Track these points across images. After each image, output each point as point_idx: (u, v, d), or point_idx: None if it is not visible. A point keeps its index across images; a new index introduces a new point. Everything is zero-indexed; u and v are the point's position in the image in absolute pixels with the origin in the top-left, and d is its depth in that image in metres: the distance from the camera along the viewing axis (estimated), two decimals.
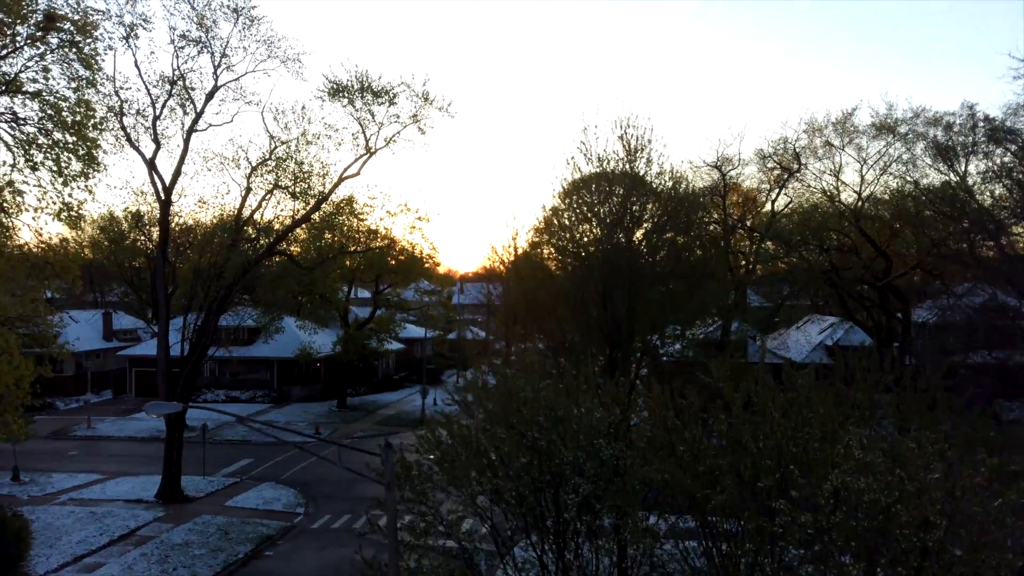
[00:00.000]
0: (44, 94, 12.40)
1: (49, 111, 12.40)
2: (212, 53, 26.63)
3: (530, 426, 10.88)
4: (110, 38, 23.60)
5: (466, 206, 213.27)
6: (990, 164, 37.44)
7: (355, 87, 24.95)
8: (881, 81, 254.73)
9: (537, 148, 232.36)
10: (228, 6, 26.87)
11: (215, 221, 29.50)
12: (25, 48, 12.00)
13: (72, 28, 12.28)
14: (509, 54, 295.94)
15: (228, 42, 26.99)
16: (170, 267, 31.02)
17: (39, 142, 12.91)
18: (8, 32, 11.70)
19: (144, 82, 25.09)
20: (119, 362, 56.53)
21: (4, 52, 11.87)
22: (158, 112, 25.68)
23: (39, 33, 11.97)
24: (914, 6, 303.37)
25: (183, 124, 27.71)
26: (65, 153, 13.22)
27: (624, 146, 26.01)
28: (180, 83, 26.05)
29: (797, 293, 39.69)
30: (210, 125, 27.70)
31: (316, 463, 35.50)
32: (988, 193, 37.25)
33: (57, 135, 13.04)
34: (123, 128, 25.79)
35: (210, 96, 27.51)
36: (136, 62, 24.80)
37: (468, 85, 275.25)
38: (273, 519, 26.51)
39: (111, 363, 57.36)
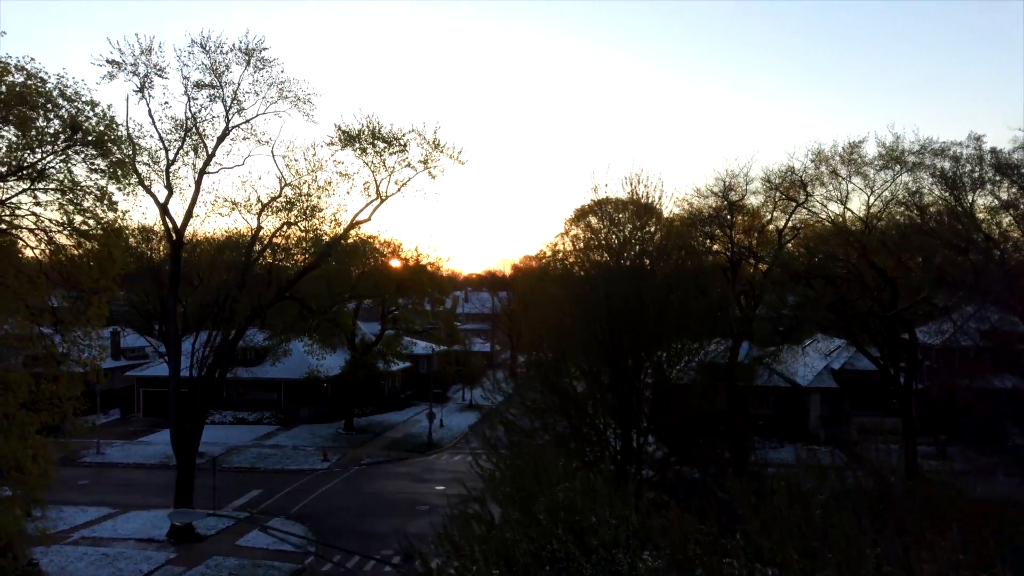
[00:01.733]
0: (65, 185, 12.63)
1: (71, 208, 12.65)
2: (224, 98, 26.80)
3: (549, 538, 11.01)
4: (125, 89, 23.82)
5: (468, 205, 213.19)
6: (996, 197, 37.50)
7: (366, 135, 25.10)
8: (888, 112, 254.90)
9: (545, 158, 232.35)
10: (240, 48, 27.08)
11: (225, 260, 29.70)
12: (47, 145, 12.18)
13: (96, 135, 12.48)
14: (515, 83, 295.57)
15: (239, 85, 27.18)
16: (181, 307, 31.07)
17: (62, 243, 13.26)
18: (33, 132, 11.87)
19: (158, 130, 25.30)
20: (127, 379, 56.78)
21: (30, 145, 12.03)
22: (171, 159, 25.85)
23: (62, 137, 12.16)
24: (918, 35, 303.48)
25: (195, 166, 27.90)
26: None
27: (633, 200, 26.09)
28: (193, 129, 26.22)
29: (803, 325, 39.68)
30: (221, 167, 27.89)
31: (325, 493, 35.75)
32: (995, 224, 37.32)
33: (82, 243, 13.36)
34: (137, 174, 25.96)
35: (221, 138, 27.69)
36: (150, 111, 24.95)
37: (476, 109, 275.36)
38: (284, 560, 26.68)
39: (119, 381, 57.62)
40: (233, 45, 27.07)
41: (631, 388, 24.99)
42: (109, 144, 12.80)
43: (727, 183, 43.73)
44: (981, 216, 39.04)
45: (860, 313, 38.83)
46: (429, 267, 47.73)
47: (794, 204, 38.64)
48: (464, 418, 56.42)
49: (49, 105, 11.79)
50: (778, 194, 39.04)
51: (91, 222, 13.16)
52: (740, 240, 41.17)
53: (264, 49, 27.48)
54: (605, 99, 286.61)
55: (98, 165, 13.08)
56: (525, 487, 12.23)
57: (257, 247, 29.09)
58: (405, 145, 25.54)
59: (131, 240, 57.97)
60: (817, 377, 48.42)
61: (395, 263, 49.92)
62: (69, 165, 12.81)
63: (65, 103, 12.09)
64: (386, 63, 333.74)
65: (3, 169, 12.19)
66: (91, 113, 12.60)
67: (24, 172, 13.03)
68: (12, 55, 12.32)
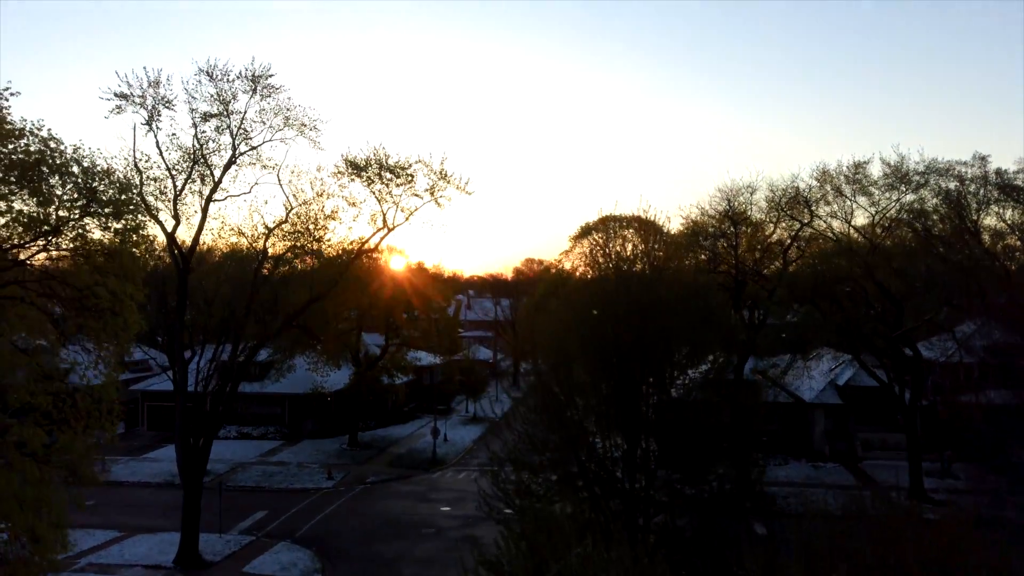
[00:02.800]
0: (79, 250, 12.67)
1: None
2: (231, 127, 26.86)
3: None
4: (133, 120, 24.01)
5: (471, 206, 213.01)
6: (1001, 218, 37.54)
7: (374, 167, 25.14)
8: (894, 133, 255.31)
9: (547, 162, 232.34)
10: (247, 76, 27.15)
11: (231, 278, 29.79)
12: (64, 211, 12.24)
13: (112, 203, 12.55)
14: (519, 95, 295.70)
15: (246, 114, 27.25)
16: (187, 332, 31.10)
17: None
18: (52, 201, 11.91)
19: (165, 162, 25.34)
20: (131, 390, 56.87)
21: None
22: (179, 191, 25.90)
23: (79, 203, 12.20)
24: (923, 55, 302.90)
25: (201, 193, 27.95)
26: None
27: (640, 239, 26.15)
28: (200, 158, 26.28)
29: (808, 342, 39.63)
30: (228, 195, 27.97)
31: (330, 515, 35.77)
32: (1000, 245, 37.36)
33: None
34: (144, 203, 26.03)
35: (228, 166, 27.76)
36: (157, 142, 25.00)
37: (482, 114, 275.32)
38: None
39: (122, 394, 57.63)
40: (240, 72, 27.18)
41: (636, 403, 25.02)
42: (124, 210, 12.84)
43: (730, 195, 43.82)
44: (986, 237, 39.11)
45: (865, 333, 38.85)
46: (433, 270, 47.98)
47: (799, 224, 38.64)
48: (468, 432, 56.46)
49: (65, 172, 11.84)
50: (782, 213, 39.07)
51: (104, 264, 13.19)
52: (745, 257, 41.20)
53: (270, 76, 27.58)
54: (612, 108, 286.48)
55: (112, 226, 13.11)
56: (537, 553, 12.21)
57: (265, 270, 29.19)
58: (412, 176, 25.60)
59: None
60: (821, 393, 48.39)
61: (398, 262, 50.34)
62: (83, 225, 12.83)
63: (80, 172, 12.13)
64: (391, 74, 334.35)
65: (25, 235, 12.23)
66: (107, 182, 12.62)
67: (41, 234, 13.07)
68: (27, 117, 12.43)
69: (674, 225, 41.41)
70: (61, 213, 12.41)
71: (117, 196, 12.91)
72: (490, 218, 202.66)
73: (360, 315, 47.90)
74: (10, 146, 11.59)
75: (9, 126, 11.66)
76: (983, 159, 36.97)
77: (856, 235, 40.16)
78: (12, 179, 11.54)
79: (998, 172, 36.31)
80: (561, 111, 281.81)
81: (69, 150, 12.27)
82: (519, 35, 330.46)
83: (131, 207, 13.22)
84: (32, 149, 11.76)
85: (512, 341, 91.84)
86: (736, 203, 43.18)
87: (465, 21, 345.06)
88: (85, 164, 12.50)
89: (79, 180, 12.32)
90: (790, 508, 33.25)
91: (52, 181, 12.00)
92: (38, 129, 12.00)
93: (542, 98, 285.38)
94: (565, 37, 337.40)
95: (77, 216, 12.57)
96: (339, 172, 26.28)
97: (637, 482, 21.83)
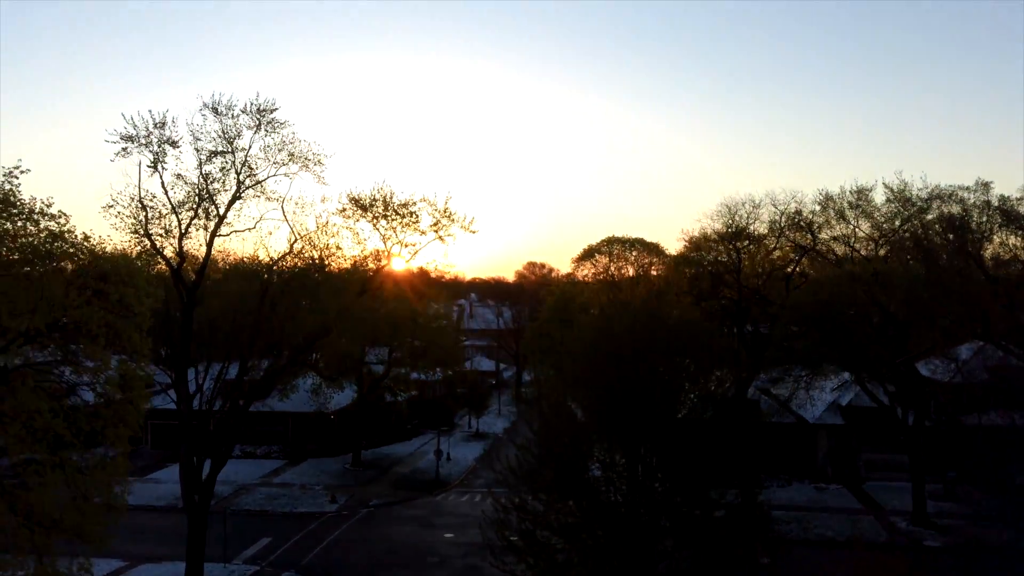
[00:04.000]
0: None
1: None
2: (236, 164, 26.96)
3: None
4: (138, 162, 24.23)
5: (473, 208, 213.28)
6: (1005, 244, 37.56)
7: (378, 205, 25.23)
8: (897, 157, 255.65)
9: (550, 170, 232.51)
10: (251, 109, 27.24)
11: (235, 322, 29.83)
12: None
13: (119, 296, 12.63)
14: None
15: (250, 149, 27.35)
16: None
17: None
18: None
19: (171, 201, 25.43)
20: None
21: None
22: (184, 229, 25.99)
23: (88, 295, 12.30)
24: (924, 81, 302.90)
25: (206, 227, 28.01)
26: None
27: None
28: (206, 196, 26.39)
29: (812, 374, 39.66)
30: (233, 230, 28.02)
31: (334, 543, 35.82)
32: (1003, 272, 37.37)
33: None
34: (151, 240, 26.16)
35: (232, 201, 27.82)
36: (163, 183, 25.08)
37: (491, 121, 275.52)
38: None
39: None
40: (245, 107, 27.27)
41: (638, 427, 25.17)
42: (131, 303, 12.93)
43: (733, 209, 43.97)
44: (989, 262, 39.13)
45: (868, 358, 38.88)
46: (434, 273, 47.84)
47: (802, 250, 38.70)
48: (470, 449, 56.53)
49: (74, 258, 11.95)
50: (784, 239, 39.14)
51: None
52: (748, 280, 41.30)
53: (274, 109, 27.67)
54: (618, 118, 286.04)
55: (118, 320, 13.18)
56: None
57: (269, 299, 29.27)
58: (417, 216, 25.71)
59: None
60: (825, 413, 48.39)
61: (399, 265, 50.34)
62: (89, 313, 12.91)
63: (89, 265, 12.22)
64: (399, 88, 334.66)
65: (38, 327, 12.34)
66: (115, 272, 12.72)
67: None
68: (36, 195, 12.42)
69: (674, 236, 41.30)
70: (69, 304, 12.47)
71: (123, 291, 12.96)
72: (492, 221, 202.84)
73: (363, 336, 47.96)
74: (18, 225, 11.68)
75: (18, 207, 11.75)
76: (986, 185, 37.05)
77: (859, 254, 40.24)
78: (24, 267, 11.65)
79: (1001, 199, 36.35)
80: (565, 120, 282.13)
81: (79, 236, 12.35)
82: (532, 43, 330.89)
83: (138, 297, 13.26)
84: (43, 236, 11.86)
85: (514, 350, 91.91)
86: (738, 216, 43.40)
87: (481, 35, 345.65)
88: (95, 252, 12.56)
89: (88, 274, 12.38)
90: (792, 533, 33.30)
91: (65, 267, 12.07)
92: (47, 207, 12.09)
93: (543, 105, 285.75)
94: (575, 49, 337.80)
95: (84, 303, 12.62)
96: (344, 210, 26.41)
97: (640, 506, 21.98)
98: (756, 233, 41.68)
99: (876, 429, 47.94)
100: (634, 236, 42.60)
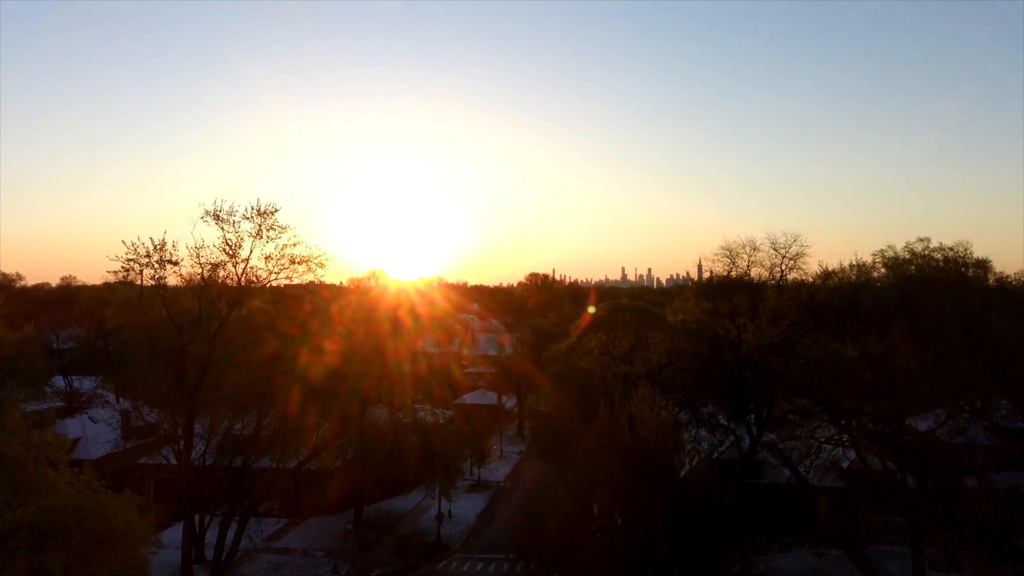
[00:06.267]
0: None
1: None
2: (237, 273, 27.19)
3: None
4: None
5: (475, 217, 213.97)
6: (1008, 320, 37.61)
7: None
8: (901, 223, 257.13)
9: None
10: (252, 213, 27.46)
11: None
12: None
13: None
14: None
15: (251, 258, 27.57)
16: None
17: None
18: None
19: (172, 320, 25.61)
20: (137, 455, 57.09)
21: None
22: (185, 342, 26.18)
23: None
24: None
25: (208, 329, 28.23)
26: None
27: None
28: (209, 306, 26.60)
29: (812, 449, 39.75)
30: (235, 336, 28.19)
31: None
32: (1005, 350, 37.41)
33: None
34: (155, 349, 26.34)
35: (234, 306, 28.04)
36: (164, 303, 25.26)
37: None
38: None
39: (129, 460, 57.92)
40: (246, 211, 27.49)
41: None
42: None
43: (732, 254, 44.24)
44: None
45: (871, 430, 38.99)
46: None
47: (801, 332, 38.79)
48: (473, 503, 56.52)
49: None
50: (785, 321, 39.26)
51: None
52: (750, 354, 41.34)
53: (276, 212, 27.90)
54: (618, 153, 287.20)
55: None
56: None
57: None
58: None
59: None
60: (826, 475, 48.32)
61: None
62: None
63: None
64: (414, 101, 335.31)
65: None
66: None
67: None
68: None
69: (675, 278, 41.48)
70: None
71: None
72: (492, 225, 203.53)
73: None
74: None
75: None
76: (984, 265, 37.18)
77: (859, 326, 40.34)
78: None
79: (999, 279, 36.46)
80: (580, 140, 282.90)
81: None
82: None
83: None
84: None
85: (516, 379, 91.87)
86: (737, 261, 43.65)
87: (499, 50, 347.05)
88: None
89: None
90: None
91: None
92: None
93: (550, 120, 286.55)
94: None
95: None
96: None
97: None
98: (758, 308, 41.74)
99: (877, 491, 47.84)
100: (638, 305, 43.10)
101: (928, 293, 36.51)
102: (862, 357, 35.81)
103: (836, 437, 37.41)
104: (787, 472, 47.63)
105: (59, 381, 79.79)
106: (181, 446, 34.79)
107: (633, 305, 43.31)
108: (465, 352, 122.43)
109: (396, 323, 59.54)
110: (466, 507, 55.27)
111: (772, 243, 43.48)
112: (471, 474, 64.53)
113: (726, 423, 42.35)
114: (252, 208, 27.66)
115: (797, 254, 42.84)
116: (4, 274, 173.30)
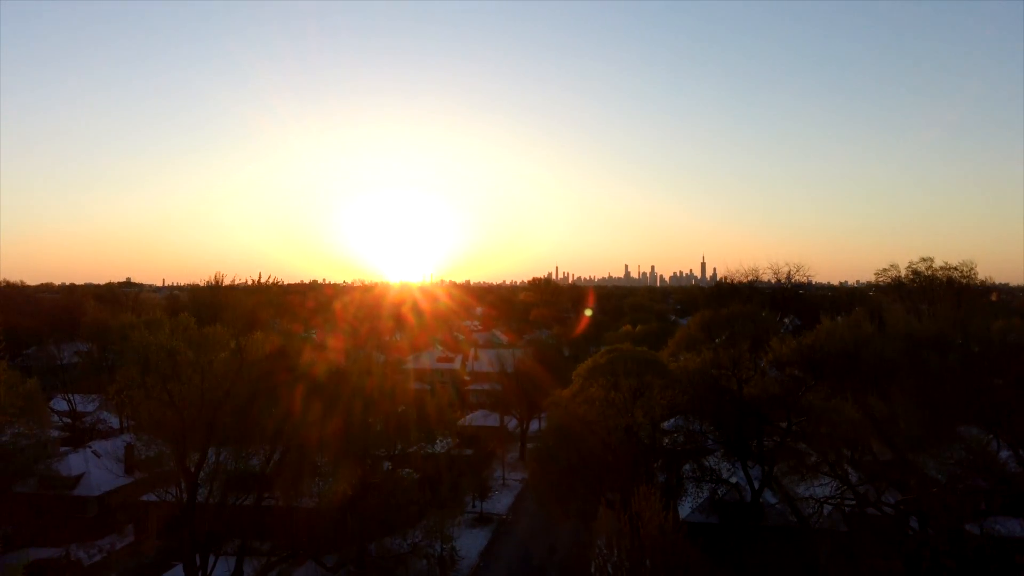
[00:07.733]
0: None
1: None
2: None
3: None
4: None
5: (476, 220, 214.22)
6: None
7: None
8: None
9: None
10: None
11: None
12: None
13: None
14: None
15: None
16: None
17: None
18: None
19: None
20: (141, 488, 57.30)
21: None
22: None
23: None
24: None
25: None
26: None
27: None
28: None
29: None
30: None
31: None
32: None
33: None
34: (159, 431, 26.41)
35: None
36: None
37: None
38: None
39: (133, 495, 58.12)
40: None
41: None
42: None
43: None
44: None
45: (873, 488, 38.95)
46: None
47: (803, 387, 38.74)
48: (475, 539, 56.56)
49: None
50: (790, 371, 39.25)
51: None
52: (751, 402, 41.30)
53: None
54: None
55: None
56: None
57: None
58: None
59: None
60: (827, 519, 48.21)
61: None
62: None
63: None
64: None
65: None
66: None
67: None
68: None
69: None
70: None
71: None
72: (493, 229, 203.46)
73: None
74: None
75: None
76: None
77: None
78: None
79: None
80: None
81: None
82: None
83: None
84: None
85: (519, 397, 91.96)
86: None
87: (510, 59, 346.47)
88: None
89: None
90: None
91: None
92: None
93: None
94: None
95: None
96: None
97: None
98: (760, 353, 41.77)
99: (879, 536, 47.71)
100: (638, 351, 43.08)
101: (929, 354, 36.42)
102: (865, 417, 35.68)
103: (838, 496, 37.28)
104: (792, 516, 47.70)
105: (61, 404, 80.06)
106: (183, 486, 35.15)
107: (635, 353, 43.27)
108: (467, 372, 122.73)
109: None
110: (469, 544, 55.30)
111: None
112: (473, 507, 64.57)
113: (727, 476, 42.35)
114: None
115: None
116: (8, 283, 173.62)
